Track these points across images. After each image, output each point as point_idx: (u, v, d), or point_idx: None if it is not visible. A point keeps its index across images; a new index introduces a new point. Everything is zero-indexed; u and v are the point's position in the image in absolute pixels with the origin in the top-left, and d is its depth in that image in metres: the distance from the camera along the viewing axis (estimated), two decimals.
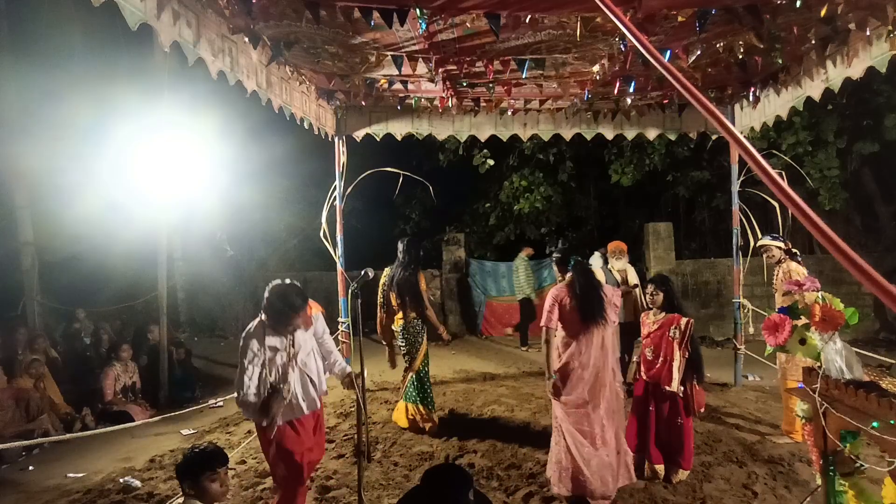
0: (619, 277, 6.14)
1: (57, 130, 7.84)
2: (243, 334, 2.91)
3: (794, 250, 4.70)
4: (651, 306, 4.00)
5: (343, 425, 5.20)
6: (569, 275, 3.69)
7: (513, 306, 10.13)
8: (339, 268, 6.55)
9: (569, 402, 3.55)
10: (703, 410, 3.89)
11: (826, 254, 9.20)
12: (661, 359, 3.79)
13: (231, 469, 3.37)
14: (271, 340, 2.90)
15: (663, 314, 3.87)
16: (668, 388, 3.69)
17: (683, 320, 3.74)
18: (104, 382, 5.80)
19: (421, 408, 4.97)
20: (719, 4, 3.54)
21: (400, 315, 5.05)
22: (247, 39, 3.97)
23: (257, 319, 2.95)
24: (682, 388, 3.70)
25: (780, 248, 4.68)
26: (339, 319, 6.41)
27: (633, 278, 6.19)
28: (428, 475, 1.53)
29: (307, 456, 3.03)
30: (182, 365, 6.72)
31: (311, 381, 3.05)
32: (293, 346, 2.98)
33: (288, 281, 3.01)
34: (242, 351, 2.85)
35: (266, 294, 2.94)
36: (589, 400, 3.52)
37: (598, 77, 5.05)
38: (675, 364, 3.67)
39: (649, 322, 3.95)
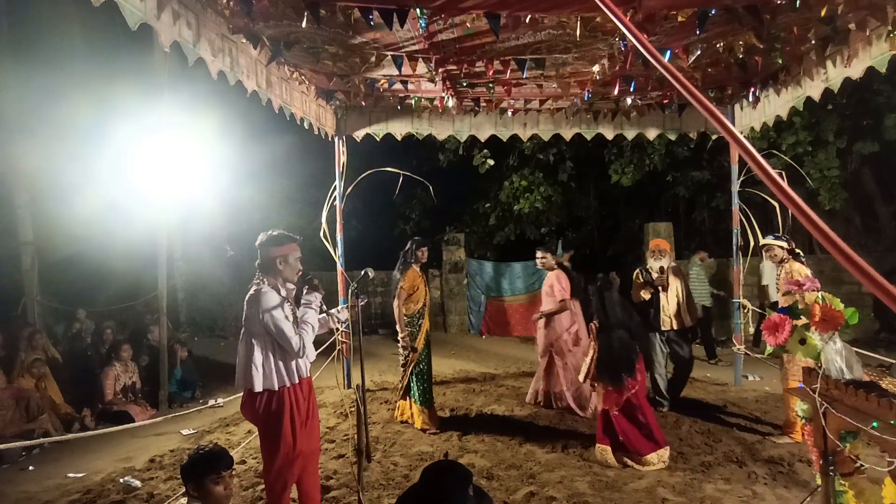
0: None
1: (57, 130, 7.84)
2: (256, 300, 2.80)
3: (797, 250, 4.69)
4: None
5: (343, 425, 5.20)
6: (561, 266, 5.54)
7: (513, 306, 10.12)
8: (339, 268, 6.55)
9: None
10: (604, 409, 4.11)
11: (826, 254, 9.19)
12: None
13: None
14: (280, 298, 2.87)
15: None
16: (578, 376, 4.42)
17: (595, 321, 4.27)
18: (104, 382, 5.79)
19: (421, 406, 5.00)
20: (719, 4, 3.54)
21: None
22: (245, 39, 3.97)
23: (260, 285, 2.86)
24: (594, 385, 4.22)
25: (783, 247, 4.66)
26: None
27: (673, 281, 5.50)
28: (427, 472, 1.53)
29: (302, 441, 2.86)
30: (183, 365, 6.72)
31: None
32: (291, 303, 2.94)
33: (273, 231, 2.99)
34: (271, 313, 2.77)
35: (259, 251, 2.92)
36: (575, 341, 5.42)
37: (598, 77, 5.05)
38: (587, 358, 4.23)
39: None
